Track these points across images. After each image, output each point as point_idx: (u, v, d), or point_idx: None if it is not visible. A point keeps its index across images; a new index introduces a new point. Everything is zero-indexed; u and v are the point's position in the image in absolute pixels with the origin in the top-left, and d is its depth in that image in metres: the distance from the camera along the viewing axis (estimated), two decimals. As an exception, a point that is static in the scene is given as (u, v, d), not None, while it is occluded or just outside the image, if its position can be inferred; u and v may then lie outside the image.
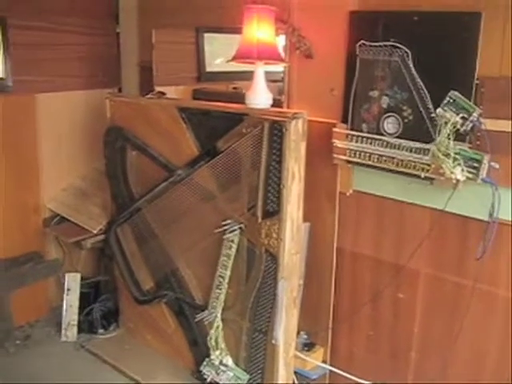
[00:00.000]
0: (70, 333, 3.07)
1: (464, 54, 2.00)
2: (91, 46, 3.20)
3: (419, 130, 2.12)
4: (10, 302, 3.03)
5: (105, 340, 3.08)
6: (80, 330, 3.11)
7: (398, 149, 2.17)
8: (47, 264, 3.12)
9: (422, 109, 2.11)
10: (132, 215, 2.84)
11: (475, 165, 1.99)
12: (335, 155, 2.36)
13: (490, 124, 1.99)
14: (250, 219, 2.36)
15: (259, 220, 2.32)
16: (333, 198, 2.50)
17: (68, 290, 3.09)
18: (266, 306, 2.41)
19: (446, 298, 2.25)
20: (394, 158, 2.19)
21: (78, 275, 3.11)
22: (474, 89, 2.00)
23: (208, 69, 3.66)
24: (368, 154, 2.26)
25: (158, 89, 3.14)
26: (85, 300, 3.17)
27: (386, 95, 2.19)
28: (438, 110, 2.04)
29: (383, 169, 2.23)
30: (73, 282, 3.10)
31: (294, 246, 2.34)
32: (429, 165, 2.09)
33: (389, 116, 2.20)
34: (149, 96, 2.69)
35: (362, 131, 2.29)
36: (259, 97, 2.31)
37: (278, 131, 2.21)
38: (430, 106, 2.08)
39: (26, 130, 3.05)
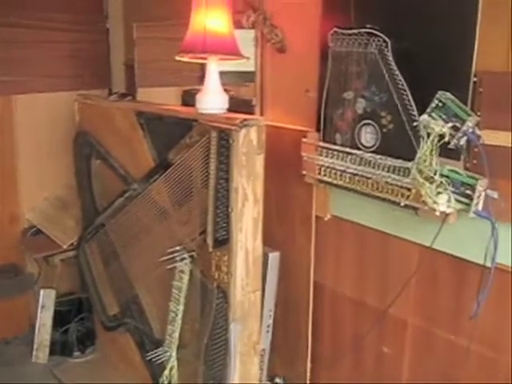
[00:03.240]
0: (42, 354, 2.65)
1: (458, 41, 1.38)
2: (77, 43, 2.75)
3: (400, 143, 1.51)
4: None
5: (77, 365, 2.62)
6: (55, 352, 2.68)
7: (374, 167, 1.57)
8: (20, 278, 2.72)
9: (403, 115, 1.49)
10: (97, 231, 2.38)
11: (468, 192, 1.37)
12: (304, 172, 1.79)
13: (489, 136, 1.35)
14: (201, 247, 1.83)
15: (210, 249, 1.79)
16: (308, 223, 1.92)
17: (42, 307, 2.66)
18: (220, 350, 1.87)
19: (437, 358, 1.62)
20: (368, 178, 1.59)
21: (53, 292, 2.67)
22: (470, 89, 1.38)
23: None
24: (339, 173, 1.67)
25: (141, 91, 2.67)
26: (64, 319, 2.75)
27: (363, 97, 1.59)
28: (422, 117, 1.43)
29: (358, 192, 1.64)
30: (47, 299, 2.67)
31: (250, 282, 1.78)
32: (409, 189, 1.48)
33: (365, 124, 1.61)
34: (111, 98, 2.22)
35: (335, 142, 1.70)
36: (210, 100, 1.76)
37: (225, 142, 1.67)
38: (414, 112, 1.47)
39: (3, 135, 2.66)
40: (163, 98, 2.55)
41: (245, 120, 1.63)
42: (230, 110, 1.83)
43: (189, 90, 2.67)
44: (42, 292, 2.67)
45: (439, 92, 1.40)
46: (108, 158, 2.22)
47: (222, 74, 2.38)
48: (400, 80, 1.48)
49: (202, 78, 3.18)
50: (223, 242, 1.74)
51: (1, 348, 2.74)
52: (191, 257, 1.87)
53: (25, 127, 2.69)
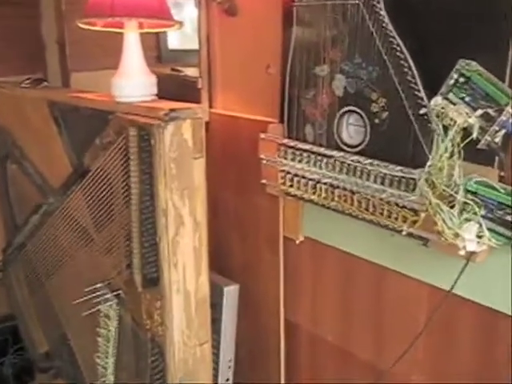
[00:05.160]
0: (-30, 395, 2.14)
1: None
2: (2, 19, 2.18)
3: (399, 141, 0.96)
4: None
5: (12, 406, 2.11)
6: (-14, 390, 2.16)
7: (361, 176, 1.01)
8: None
9: (404, 98, 0.94)
10: (19, 251, 1.83)
11: (507, 218, 0.82)
12: (264, 180, 1.23)
13: (545, 131, 0.81)
14: (129, 284, 1.29)
15: (139, 289, 1.24)
16: (275, 246, 1.37)
17: (-32, 338, 2.15)
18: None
19: None
20: (353, 192, 1.04)
21: (-18, 320, 2.15)
22: (510, 56, 0.83)
23: (172, 46, 2.58)
24: (312, 183, 1.11)
25: (76, 76, 2.10)
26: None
27: (342, 72, 1.03)
28: (435, 101, 0.88)
29: (339, 211, 1.09)
30: (-25, 328, 2.15)
31: (193, 334, 1.24)
32: (415, 211, 0.93)
33: (347, 112, 1.05)
34: (23, 85, 1.65)
35: (304, 139, 1.14)
36: (130, 84, 1.19)
37: (146, 143, 1.12)
38: (421, 92, 0.92)
39: None
40: (104, 86, 1.98)
41: (172, 111, 1.08)
42: (177, 97, 1.28)
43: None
44: (-33, 320, 2.14)
45: (460, 61, 0.85)
46: (23, 162, 1.66)
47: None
48: (397, 44, 0.92)
49: (158, 58, 2.61)
50: (153, 281, 1.19)
51: None
52: (117, 297, 1.33)
53: None
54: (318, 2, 1.03)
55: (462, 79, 0.86)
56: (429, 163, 0.84)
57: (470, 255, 0.88)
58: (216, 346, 1.43)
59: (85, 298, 1.34)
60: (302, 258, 1.34)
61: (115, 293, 1.32)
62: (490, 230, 0.83)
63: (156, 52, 2.45)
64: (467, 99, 0.86)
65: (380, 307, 1.18)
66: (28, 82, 1.63)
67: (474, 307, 0.99)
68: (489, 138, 0.83)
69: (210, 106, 1.47)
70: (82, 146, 1.37)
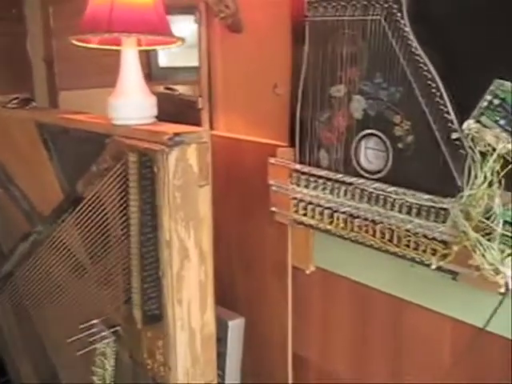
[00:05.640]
0: (-49, 433, 2.00)
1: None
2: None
3: (427, 167, 0.89)
4: None
5: None
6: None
7: (384, 205, 0.94)
8: None
9: (432, 121, 0.87)
10: (6, 281, 1.72)
11: (557, 254, 0.75)
12: (274, 208, 1.15)
13: None
14: (128, 320, 1.19)
15: (138, 326, 1.15)
16: (283, 277, 1.29)
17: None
18: None
19: None
20: (375, 222, 0.96)
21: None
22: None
23: (163, 63, 2.50)
24: (328, 212, 1.03)
25: (64, 94, 2.01)
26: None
27: (361, 93, 0.97)
28: (467, 124, 0.81)
29: (359, 242, 1.01)
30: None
31: (199, 372, 1.15)
32: (446, 244, 0.86)
33: (367, 136, 0.98)
34: (9, 105, 1.56)
35: (318, 164, 1.07)
36: (127, 105, 1.11)
37: (148, 170, 1.03)
38: (451, 115, 0.85)
39: None
40: (95, 105, 1.89)
41: (176, 135, 1.00)
42: (173, 118, 1.19)
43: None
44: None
45: (495, 82, 0.78)
46: (9, 187, 1.57)
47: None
48: (424, 63, 0.86)
49: (149, 76, 2.52)
50: (155, 318, 1.10)
51: None
52: (115, 333, 1.23)
53: None
54: (333, 17, 0.96)
55: (496, 101, 0.79)
56: (467, 193, 0.77)
57: (506, 291, 0.81)
58: (221, 382, 1.33)
59: (79, 336, 1.24)
60: (312, 288, 1.25)
61: (112, 329, 1.22)
62: (533, 265, 0.76)
63: (146, 69, 2.38)
64: (501, 122, 0.79)
65: (398, 341, 1.10)
66: (15, 101, 1.53)
67: (502, 342, 0.92)
68: (531, 165, 0.76)
69: (211, 128, 1.39)
70: (74, 172, 1.28)
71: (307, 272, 1.24)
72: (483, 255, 0.75)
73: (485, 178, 0.75)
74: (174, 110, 1.64)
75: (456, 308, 0.96)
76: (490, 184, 0.76)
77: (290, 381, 1.34)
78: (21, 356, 1.74)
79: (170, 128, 1.05)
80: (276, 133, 1.20)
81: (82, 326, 1.23)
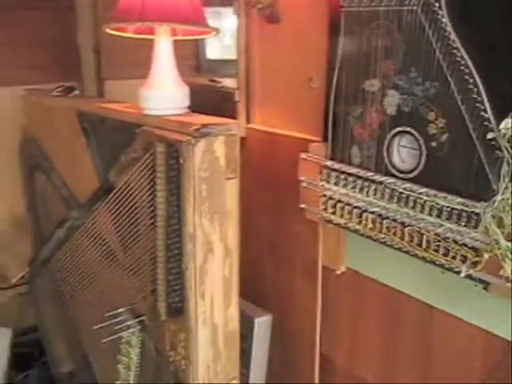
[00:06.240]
0: (-8, 408, 2.08)
1: None
2: (37, 25, 2.14)
3: (461, 168, 0.84)
4: None
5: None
6: (9, 404, 2.10)
7: (413, 207, 0.90)
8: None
9: (468, 119, 0.82)
10: (45, 265, 1.77)
11: None
12: (304, 205, 1.12)
13: None
14: (153, 311, 1.20)
15: (162, 317, 1.15)
16: (313, 276, 1.26)
17: (-6, 349, 2.10)
18: None
19: None
20: (404, 224, 0.92)
21: (9, 331, 2.09)
22: None
23: (211, 55, 2.50)
24: (357, 211, 1.00)
25: (109, 85, 2.04)
26: (23, 362, 2.15)
27: (395, 88, 0.92)
28: (505, 123, 0.75)
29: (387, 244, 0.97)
30: (2, 339, 2.08)
31: (221, 369, 1.13)
32: (477, 251, 0.81)
33: (400, 133, 0.93)
34: (54, 93, 1.59)
35: (350, 161, 1.03)
36: (159, 95, 1.10)
37: (174, 160, 1.02)
38: (488, 114, 0.80)
39: None
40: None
41: (204, 126, 0.98)
42: (212, 110, 1.18)
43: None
44: (-7, 331, 2.09)
45: (539, 77, 0.73)
46: (51, 174, 1.60)
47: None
48: (462, 57, 0.80)
49: (197, 68, 2.53)
50: (178, 311, 1.10)
51: None
52: (141, 323, 1.24)
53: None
54: (369, 7, 0.92)
55: (539, 99, 0.73)
56: (498, 197, 0.71)
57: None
58: (245, 380, 1.32)
59: (105, 324, 1.25)
60: (341, 289, 1.22)
61: (138, 319, 1.23)
62: None
63: (195, 62, 2.39)
64: (545, 123, 0.73)
65: (426, 350, 1.05)
66: (59, 89, 1.56)
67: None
68: None
69: (248, 121, 1.37)
70: (108, 160, 1.29)
71: (338, 272, 1.20)
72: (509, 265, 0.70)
73: (519, 182, 0.70)
74: (215, 101, 1.64)
75: (487, 320, 0.91)
76: (527, 189, 0.70)
77: (317, 382, 1.31)
78: (57, 339, 1.79)
79: (199, 119, 1.03)
80: (310, 127, 1.17)
81: (108, 314, 1.25)
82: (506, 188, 0.71)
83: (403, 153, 0.94)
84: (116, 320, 1.25)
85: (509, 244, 0.70)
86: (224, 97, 1.55)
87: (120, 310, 1.24)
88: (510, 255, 0.70)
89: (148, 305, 1.21)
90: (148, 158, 1.08)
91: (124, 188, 1.21)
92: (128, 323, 1.23)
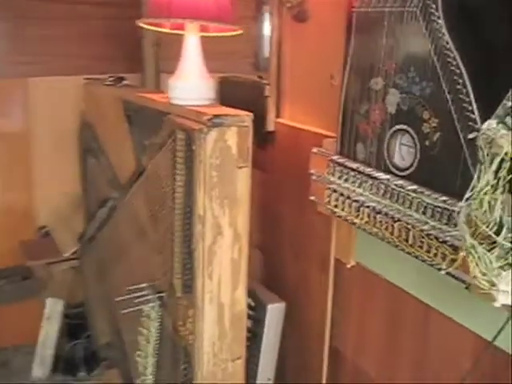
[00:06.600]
0: (43, 369, 2.23)
1: None
2: (106, 19, 2.29)
3: (448, 167, 0.86)
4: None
5: (77, 389, 2.20)
6: (58, 369, 2.27)
7: (403, 203, 0.92)
8: (26, 283, 2.31)
9: (456, 119, 0.84)
10: (91, 241, 1.91)
11: (561, 272, 0.69)
12: (313, 197, 1.16)
13: None
14: (171, 288, 1.28)
15: (178, 294, 1.23)
16: (325, 268, 1.29)
17: (47, 318, 2.26)
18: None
19: None
20: (394, 219, 0.94)
21: (61, 302, 2.26)
22: None
23: (267, 53, 2.56)
24: (355, 205, 1.03)
25: (163, 76, 2.15)
26: (72, 333, 2.32)
27: (396, 87, 0.95)
28: (488, 124, 0.76)
29: (381, 238, 0.99)
30: (53, 310, 2.25)
31: (226, 347, 1.20)
32: (456, 249, 0.82)
33: (399, 131, 0.96)
34: (106, 83, 1.71)
35: (355, 156, 1.06)
36: (185, 87, 1.18)
37: (190, 147, 1.10)
38: (474, 114, 0.81)
39: (17, 122, 2.27)
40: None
41: (216, 116, 1.05)
42: (251, 105, 1.25)
43: (226, 76, 2.13)
44: (47, 301, 2.26)
45: (521, 80, 0.73)
46: (100, 157, 1.74)
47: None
48: (454, 58, 0.82)
49: (255, 65, 2.61)
50: (190, 288, 1.18)
51: (8, 355, 2.38)
52: (161, 299, 1.33)
53: (42, 114, 2.28)
54: (375, 8, 0.95)
55: (521, 102, 0.74)
56: (466, 195, 0.73)
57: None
58: (255, 363, 1.38)
59: (127, 297, 1.36)
60: (351, 283, 1.25)
61: (158, 295, 1.32)
62: (537, 281, 0.71)
63: (253, 59, 2.47)
64: (527, 125, 0.74)
65: (423, 347, 1.06)
66: (110, 80, 1.69)
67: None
68: (545, 173, 0.71)
69: (277, 116, 1.43)
70: (143, 145, 1.40)
71: (348, 266, 1.23)
72: (476, 264, 0.71)
73: (487, 182, 0.71)
74: (254, 96, 1.70)
75: (472, 320, 0.91)
76: (495, 187, 0.72)
77: (325, 371, 1.35)
78: (98, 313, 1.93)
79: (215, 110, 1.11)
80: (329, 123, 1.20)
81: (132, 287, 1.35)
82: (474, 187, 0.72)
83: (404, 150, 0.96)
84: (138, 294, 1.35)
85: (474, 242, 0.72)
86: (262, 92, 1.62)
87: (142, 285, 1.34)
88: (474, 253, 0.71)
89: (168, 281, 1.30)
90: (170, 144, 1.17)
91: (152, 171, 1.31)
92: (148, 297, 1.33)
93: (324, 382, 1.34)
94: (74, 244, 2.10)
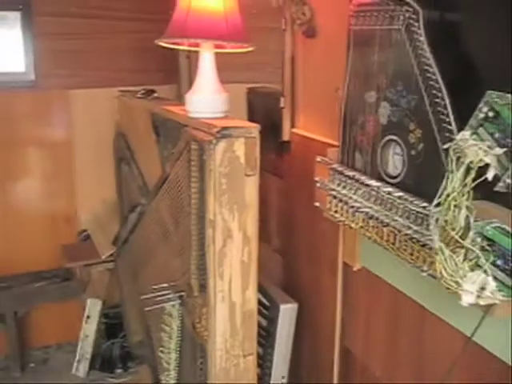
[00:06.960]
0: (82, 367, 2.39)
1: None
2: (142, 33, 2.43)
3: (430, 175, 0.92)
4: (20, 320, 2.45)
5: (114, 385, 2.34)
6: (96, 366, 2.42)
7: (390, 209, 0.98)
8: (67, 285, 2.47)
9: (436, 130, 0.90)
10: (124, 244, 2.03)
11: (521, 272, 0.75)
12: (317, 203, 1.23)
13: None
14: (189, 287, 1.38)
15: (195, 293, 1.33)
16: (335, 271, 1.36)
17: (87, 317, 2.42)
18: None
19: None
20: (383, 224, 1.00)
21: (99, 302, 2.41)
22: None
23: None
24: (352, 210, 1.09)
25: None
26: (110, 332, 2.46)
27: (386, 100, 1.01)
28: (461, 135, 0.82)
29: (373, 241, 1.06)
30: (93, 309, 2.40)
31: (238, 344, 1.28)
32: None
33: (391, 141, 1.02)
34: (138, 95, 1.84)
35: (353, 165, 1.13)
36: (200, 100, 1.27)
37: (201, 157, 1.20)
38: (452, 126, 0.87)
39: (59, 131, 2.44)
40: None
41: (224, 128, 1.14)
42: (269, 116, 1.35)
43: (254, 87, 2.23)
44: (88, 301, 2.42)
45: (488, 93, 0.79)
46: (132, 165, 1.86)
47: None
48: (433, 73, 0.88)
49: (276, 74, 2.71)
50: (204, 288, 1.27)
51: (50, 353, 2.56)
52: (181, 298, 1.43)
53: (83, 124, 2.45)
54: (368, 26, 1.02)
55: (491, 113, 0.80)
56: (435, 201, 0.79)
57: (489, 307, 0.82)
58: (270, 360, 1.46)
59: (150, 296, 1.47)
60: (358, 286, 1.31)
61: (179, 294, 1.42)
62: (501, 282, 0.76)
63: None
64: (497, 135, 0.79)
65: (420, 348, 1.12)
66: (142, 92, 1.82)
67: (497, 361, 0.90)
68: (509, 181, 0.76)
69: (292, 126, 1.51)
70: (167, 155, 1.51)
71: (354, 269, 1.30)
72: (441, 264, 0.77)
73: (453, 188, 0.77)
74: (274, 107, 1.79)
75: (461, 320, 0.97)
76: (461, 193, 0.78)
77: (336, 370, 1.41)
78: (132, 312, 2.05)
79: (224, 122, 1.20)
80: (335, 133, 1.28)
81: (154, 287, 1.46)
82: (443, 191, 0.78)
83: (396, 159, 1.02)
84: (161, 293, 1.46)
85: (441, 244, 0.78)
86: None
87: (164, 285, 1.44)
88: (441, 255, 0.77)
89: (186, 281, 1.40)
90: (186, 154, 1.27)
91: (173, 178, 1.41)
92: (170, 296, 1.43)
93: (335, 382, 1.41)
94: (111, 247, 2.24)
